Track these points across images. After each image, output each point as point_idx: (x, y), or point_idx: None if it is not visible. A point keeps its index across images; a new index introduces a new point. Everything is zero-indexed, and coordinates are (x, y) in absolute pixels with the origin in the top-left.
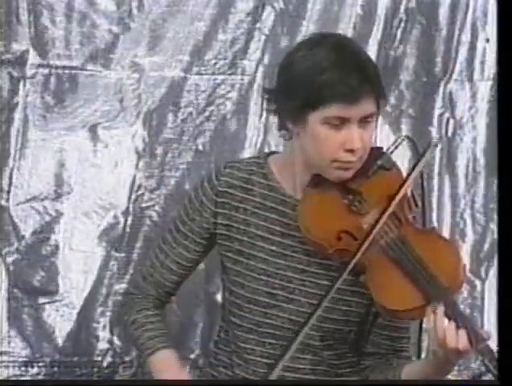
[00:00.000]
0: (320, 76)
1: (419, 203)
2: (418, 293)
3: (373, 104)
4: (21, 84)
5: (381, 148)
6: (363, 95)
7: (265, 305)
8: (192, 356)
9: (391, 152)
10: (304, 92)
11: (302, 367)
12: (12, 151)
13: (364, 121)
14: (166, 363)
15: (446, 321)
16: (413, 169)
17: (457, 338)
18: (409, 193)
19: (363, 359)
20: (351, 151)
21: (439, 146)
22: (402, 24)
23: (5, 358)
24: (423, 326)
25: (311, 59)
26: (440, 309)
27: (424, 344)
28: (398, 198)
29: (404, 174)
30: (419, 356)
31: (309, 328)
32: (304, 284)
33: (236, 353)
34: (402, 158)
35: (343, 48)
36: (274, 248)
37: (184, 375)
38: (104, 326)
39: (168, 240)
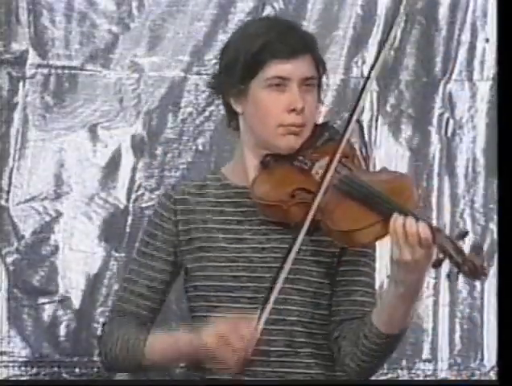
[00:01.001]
0: (255, 42)
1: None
2: (372, 212)
3: (311, 66)
4: (20, 84)
5: (327, 122)
6: (298, 53)
7: (230, 289)
8: None
9: (337, 125)
10: (242, 61)
11: (274, 349)
12: (12, 151)
13: (304, 84)
14: (162, 338)
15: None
16: (353, 111)
17: (417, 226)
18: (358, 152)
19: (335, 330)
20: (294, 111)
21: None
22: (402, 24)
23: (5, 358)
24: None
25: (246, 32)
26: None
27: None
28: (344, 140)
29: (351, 142)
30: None
31: (281, 303)
32: (265, 260)
33: None
34: None
35: (275, 19)
36: (232, 235)
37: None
38: None
39: (134, 267)
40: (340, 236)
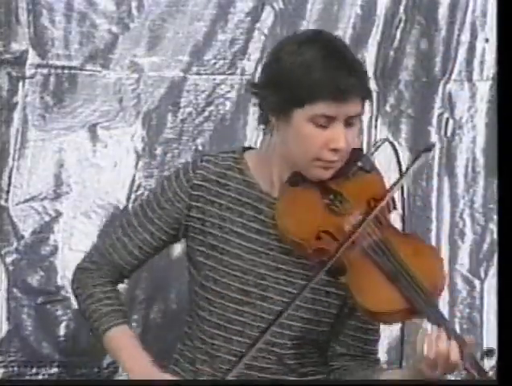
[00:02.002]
0: (309, 75)
1: (398, 206)
2: (401, 296)
3: (359, 104)
4: (20, 84)
5: (360, 149)
6: (351, 95)
7: (237, 302)
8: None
9: (371, 154)
10: (292, 88)
11: (267, 366)
12: (11, 151)
13: (349, 120)
14: (122, 340)
15: (434, 331)
16: (400, 176)
17: (448, 348)
18: (390, 199)
19: (332, 360)
20: (335, 151)
21: (430, 153)
22: (402, 24)
23: (4, 358)
24: (405, 336)
25: (300, 56)
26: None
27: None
28: (383, 203)
29: (383, 177)
30: (400, 364)
31: (280, 326)
32: (278, 282)
33: (199, 349)
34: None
35: (331, 47)
36: (249, 245)
37: (139, 352)
38: None
39: (134, 223)
40: (366, 313)
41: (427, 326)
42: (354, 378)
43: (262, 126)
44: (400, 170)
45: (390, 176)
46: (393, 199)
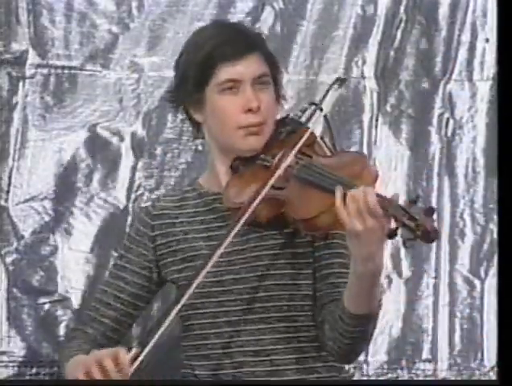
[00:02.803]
0: (202, 49)
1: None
2: (331, 195)
3: (262, 65)
4: (20, 83)
5: (287, 115)
6: (245, 53)
7: (216, 294)
8: None
9: (299, 117)
10: (193, 70)
11: (262, 348)
12: (11, 151)
13: (257, 82)
14: (77, 361)
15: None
16: (316, 106)
17: (364, 195)
18: (319, 139)
19: (317, 316)
20: (250, 111)
21: (342, 84)
22: (402, 24)
23: (5, 358)
24: None
25: (193, 41)
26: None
27: None
28: (305, 136)
29: (311, 129)
30: (400, 364)
31: (263, 300)
32: (247, 260)
33: (196, 357)
34: None
35: (220, 24)
36: (213, 242)
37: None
38: None
39: (107, 279)
40: (303, 224)
41: None
42: (333, 317)
43: (197, 135)
44: (328, 125)
45: (390, 176)
46: (323, 141)
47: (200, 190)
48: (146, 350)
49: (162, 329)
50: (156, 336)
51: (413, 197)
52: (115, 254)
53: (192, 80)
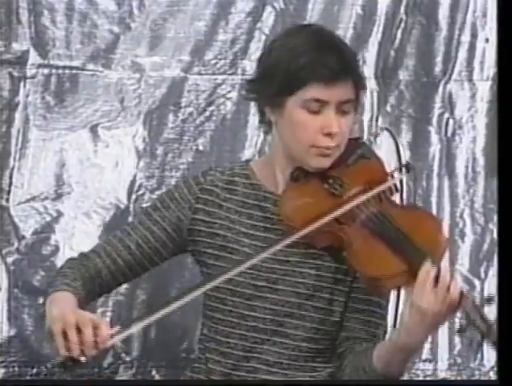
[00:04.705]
0: (297, 60)
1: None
2: (400, 259)
3: (350, 90)
4: (21, 83)
5: (359, 138)
6: (340, 77)
7: (249, 297)
8: (192, 356)
9: (370, 142)
10: (282, 76)
11: (278, 360)
12: (12, 151)
13: (342, 106)
14: (60, 298)
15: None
16: (399, 160)
17: (450, 281)
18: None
19: (339, 345)
20: (329, 135)
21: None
22: (402, 24)
23: (5, 358)
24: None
25: (289, 45)
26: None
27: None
28: (384, 185)
29: (384, 163)
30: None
31: (294, 317)
32: (287, 273)
33: (214, 350)
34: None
35: (320, 34)
36: (257, 243)
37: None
38: None
39: (133, 222)
40: (366, 279)
41: None
42: (356, 360)
43: (262, 126)
44: (399, 157)
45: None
46: (395, 185)
47: (252, 179)
48: (128, 331)
49: (162, 312)
50: (146, 321)
51: (489, 296)
52: (151, 203)
53: (277, 86)
